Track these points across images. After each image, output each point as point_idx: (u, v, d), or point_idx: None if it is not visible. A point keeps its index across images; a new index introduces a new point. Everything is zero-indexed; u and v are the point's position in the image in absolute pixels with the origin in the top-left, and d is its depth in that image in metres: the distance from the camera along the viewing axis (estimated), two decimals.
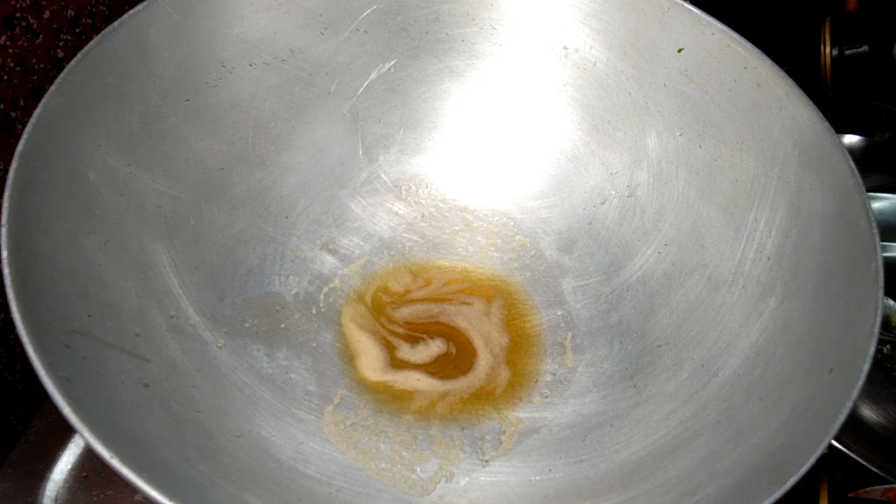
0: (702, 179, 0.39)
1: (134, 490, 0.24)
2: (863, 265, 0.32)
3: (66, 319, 0.28)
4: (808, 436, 0.28)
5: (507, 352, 0.40)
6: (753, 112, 0.38)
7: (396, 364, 0.39)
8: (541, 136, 0.44)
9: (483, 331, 0.40)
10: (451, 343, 0.40)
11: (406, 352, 0.39)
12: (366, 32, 0.42)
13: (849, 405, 0.28)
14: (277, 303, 0.39)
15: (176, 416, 0.30)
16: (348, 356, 0.39)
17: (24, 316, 0.26)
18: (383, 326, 0.40)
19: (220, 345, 0.36)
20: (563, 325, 0.41)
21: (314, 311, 0.40)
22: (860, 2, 0.56)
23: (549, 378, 0.39)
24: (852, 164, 0.34)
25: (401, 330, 0.40)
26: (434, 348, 0.40)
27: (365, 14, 0.41)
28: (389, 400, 0.37)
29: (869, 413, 0.43)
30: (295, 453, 0.33)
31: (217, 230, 0.38)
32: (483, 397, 0.38)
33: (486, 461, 0.35)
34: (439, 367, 0.39)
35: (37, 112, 0.31)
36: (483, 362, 0.39)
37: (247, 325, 0.37)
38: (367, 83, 0.43)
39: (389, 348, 0.39)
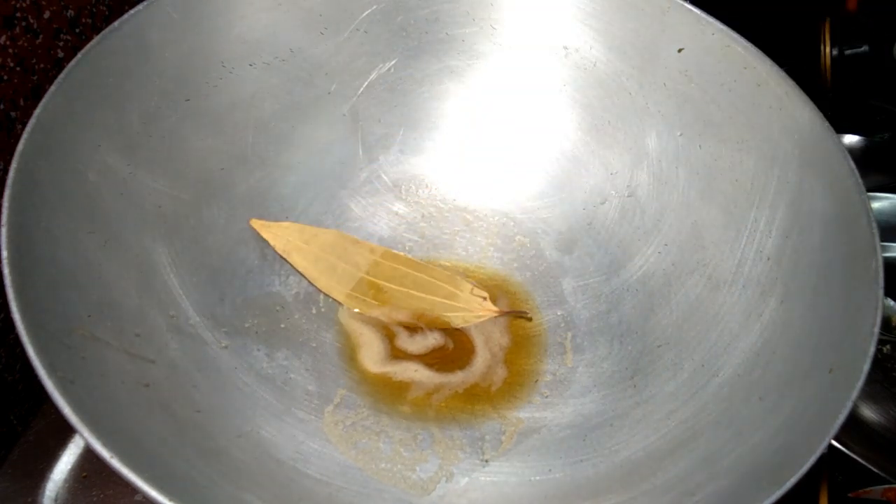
0: (702, 179, 0.39)
1: (134, 490, 0.24)
2: (863, 265, 0.32)
3: (66, 319, 0.28)
4: (808, 436, 0.28)
5: (507, 352, 0.40)
6: (753, 112, 0.38)
7: (396, 354, 0.39)
8: (541, 136, 0.44)
9: (485, 330, 0.40)
10: (448, 338, 0.40)
11: (404, 340, 0.39)
12: (366, 32, 0.42)
13: (849, 405, 0.28)
14: (277, 303, 0.39)
15: (176, 416, 0.30)
16: (348, 355, 0.39)
17: (24, 316, 0.26)
18: (384, 315, 0.40)
19: (224, 345, 0.36)
20: (563, 325, 0.41)
21: (314, 311, 0.40)
22: (860, 2, 0.56)
23: (549, 378, 0.39)
24: (852, 164, 0.34)
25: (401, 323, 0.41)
26: (431, 340, 0.40)
27: (365, 14, 0.41)
28: (387, 391, 0.37)
29: (869, 413, 0.43)
30: (295, 453, 0.33)
31: (217, 230, 0.38)
32: (479, 394, 0.38)
33: (486, 461, 0.35)
34: (437, 360, 0.39)
35: (37, 112, 0.31)
36: (480, 359, 0.39)
37: (247, 325, 0.37)
38: (367, 83, 0.43)
39: (390, 337, 0.39)
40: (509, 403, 0.38)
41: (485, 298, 0.40)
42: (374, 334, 0.39)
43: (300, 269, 0.40)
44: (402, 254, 0.42)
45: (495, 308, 0.40)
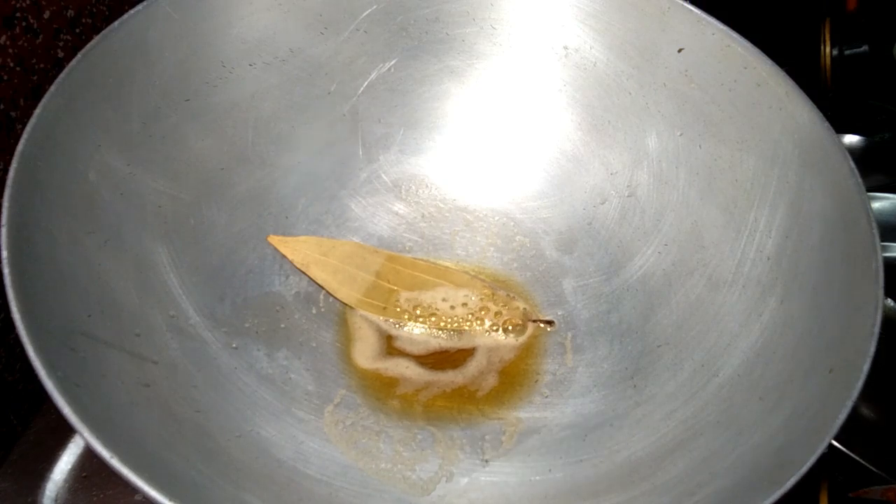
0: (702, 179, 0.39)
1: (134, 490, 0.24)
2: (863, 265, 0.32)
3: (66, 319, 0.28)
4: (808, 436, 0.28)
5: (506, 364, 0.39)
6: (753, 112, 0.38)
7: (391, 352, 0.39)
8: (541, 136, 0.44)
9: (495, 339, 0.40)
10: (452, 342, 0.40)
11: (404, 341, 0.39)
12: (366, 32, 0.42)
13: (849, 405, 0.28)
14: (277, 303, 0.39)
15: (176, 416, 0.30)
16: (347, 353, 0.39)
17: (24, 316, 0.26)
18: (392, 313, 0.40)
19: (230, 345, 0.36)
20: (563, 324, 0.41)
21: (314, 311, 0.40)
22: (860, 2, 0.56)
23: (549, 378, 0.39)
24: (852, 164, 0.34)
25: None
26: (434, 343, 0.40)
27: (365, 14, 0.41)
28: (377, 386, 0.37)
29: (869, 413, 0.43)
30: (295, 453, 0.33)
31: (217, 230, 0.38)
32: (466, 395, 0.38)
33: (486, 461, 0.35)
34: (433, 361, 0.39)
35: (37, 112, 0.31)
36: (474, 364, 0.39)
37: (247, 325, 0.37)
38: (367, 83, 0.43)
39: (388, 339, 0.39)
40: (496, 408, 0.37)
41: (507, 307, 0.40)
42: (371, 331, 0.39)
43: (319, 282, 0.40)
44: (420, 261, 0.42)
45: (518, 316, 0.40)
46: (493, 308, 0.41)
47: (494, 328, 0.40)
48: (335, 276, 0.40)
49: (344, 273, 0.40)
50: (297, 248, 0.40)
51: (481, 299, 0.41)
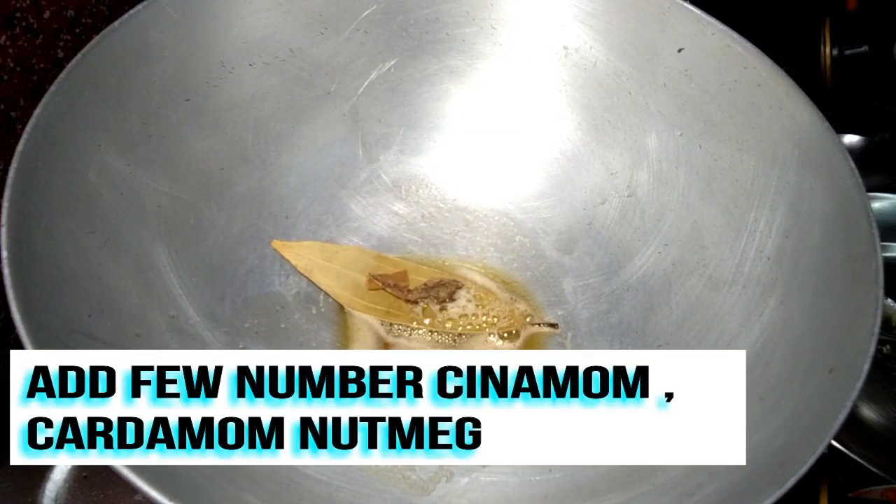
0: (702, 179, 0.39)
1: (134, 490, 0.24)
2: (863, 265, 0.32)
3: (66, 319, 0.28)
4: (808, 436, 0.28)
5: None
6: (753, 112, 0.38)
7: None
8: (541, 136, 0.44)
9: (494, 345, 0.40)
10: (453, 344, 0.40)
11: (402, 349, 0.39)
12: (366, 32, 0.42)
13: (849, 405, 0.28)
14: (277, 303, 0.39)
15: None
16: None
17: (24, 316, 0.26)
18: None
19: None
20: (563, 324, 0.41)
21: (314, 311, 0.40)
22: (860, 2, 0.56)
23: None
24: (852, 164, 0.34)
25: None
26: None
27: (365, 14, 0.41)
28: None
29: (869, 413, 0.43)
30: None
31: (217, 230, 0.38)
32: None
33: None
34: None
35: (37, 112, 0.31)
36: None
37: (247, 325, 0.37)
38: (367, 83, 0.43)
39: (385, 346, 0.39)
40: None
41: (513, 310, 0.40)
42: (370, 333, 0.39)
43: (323, 287, 0.40)
44: (424, 266, 0.42)
45: (524, 321, 0.40)
46: (496, 312, 0.40)
47: (492, 334, 0.40)
48: (339, 281, 0.40)
49: (347, 278, 0.40)
50: (300, 254, 0.40)
51: (481, 305, 0.41)
